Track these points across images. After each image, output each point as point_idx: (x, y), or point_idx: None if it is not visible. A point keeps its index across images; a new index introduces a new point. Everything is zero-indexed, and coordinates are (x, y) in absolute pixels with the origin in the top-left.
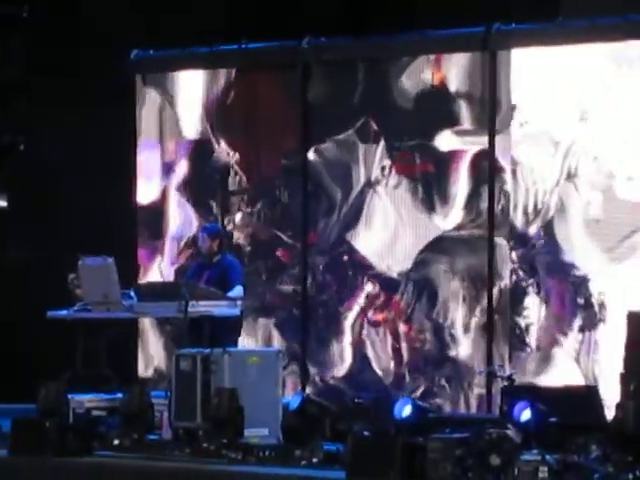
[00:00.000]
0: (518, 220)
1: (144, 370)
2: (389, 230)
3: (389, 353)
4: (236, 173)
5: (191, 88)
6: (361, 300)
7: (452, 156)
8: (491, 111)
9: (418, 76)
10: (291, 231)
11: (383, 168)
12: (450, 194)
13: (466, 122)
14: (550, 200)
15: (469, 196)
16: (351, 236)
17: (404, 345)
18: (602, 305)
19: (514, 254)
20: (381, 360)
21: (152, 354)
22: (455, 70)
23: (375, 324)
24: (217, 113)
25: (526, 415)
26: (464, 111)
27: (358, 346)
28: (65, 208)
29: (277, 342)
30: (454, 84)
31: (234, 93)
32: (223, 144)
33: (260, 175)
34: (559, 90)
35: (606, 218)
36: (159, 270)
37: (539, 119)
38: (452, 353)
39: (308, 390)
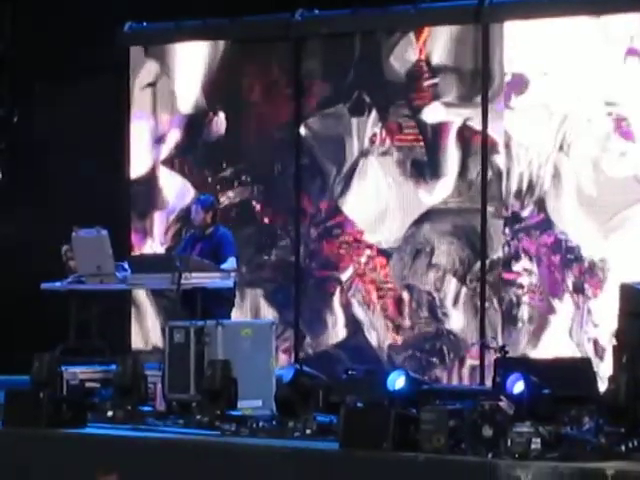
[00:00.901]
0: (511, 193)
1: (140, 343)
2: (381, 201)
3: (382, 324)
4: (229, 146)
5: (186, 61)
6: (352, 271)
7: (442, 128)
8: (484, 84)
9: (410, 49)
10: (284, 203)
11: (373, 139)
12: (441, 166)
13: (456, 94)
14: (544, 173)
15: (461, 168)
16: (343, 207)
17: (396, 316)
18: (595, 278)
19: (507, 228)
20: (373, 331)
21: (149, 327)
22: (446, 43)
23: (367, 294)
24: (211, 86)
25: (519, 387)
26: (455, 83)
27: (350, 316)
28: (59, 180)
29: (268, 313)
30: (445, 57)
31: (228, 66)
32: (217, 117)
33: (253, 148)
34: (552, 63)
35: (599, 192)
36: (151, 243)
37: (532, 92)
38: (445, 325)
39: (302, 360)
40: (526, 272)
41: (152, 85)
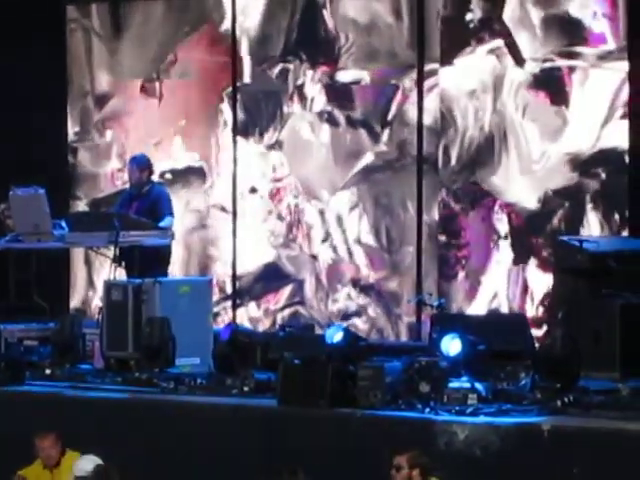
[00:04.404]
0: (448, 152)
1: (77, 301)
2: (319, 160)
3: (321, 281)
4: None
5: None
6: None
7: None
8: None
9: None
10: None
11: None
12: (377, 124)
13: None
14: (480, 134)
15: (397, 127)
16: (284, 165)
17: (335, 273)
18: (529, 234)
19: (444, 188)
20: (313, 288)
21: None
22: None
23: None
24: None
25: (455, 344)
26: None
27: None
28: None
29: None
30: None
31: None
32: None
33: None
34: None
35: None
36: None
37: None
38: (382, 281)
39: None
40: (463, 229)
41: (89, 45)
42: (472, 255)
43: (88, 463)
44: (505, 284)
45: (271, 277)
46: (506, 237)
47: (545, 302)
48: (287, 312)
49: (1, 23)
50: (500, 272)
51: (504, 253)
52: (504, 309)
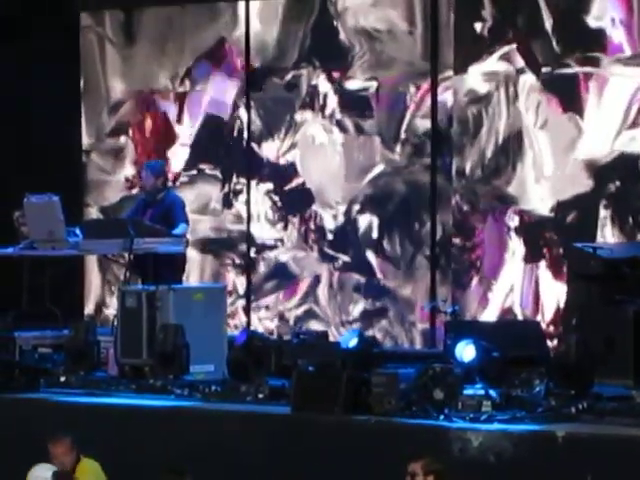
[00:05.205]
0: (462, 160)
1: (91, 308)
2: (332, 166)
3: (335, 288)
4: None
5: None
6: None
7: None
8: (432, 51)
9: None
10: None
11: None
12: (392, 132)
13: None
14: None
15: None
16: (297, 169)
17: (349, 281)
18: (544, 242)
19: (457, 194)
20: (327, 295)
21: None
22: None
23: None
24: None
25: (469, 350)
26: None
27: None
28: (11, 147)
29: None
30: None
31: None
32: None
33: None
34: None
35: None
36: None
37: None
38: (397, 289)
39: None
40: (478, 237)
41: (104, 51)
42: (486, 262)
43: (45, 471)
44: (519, 291)
45: (283, 280)
46: (520, 244)
47: (558, 309)
48: (301, 312)
49: (15, 29)
50: (514, 279)
51: (518, 260)
52: (517, 315)
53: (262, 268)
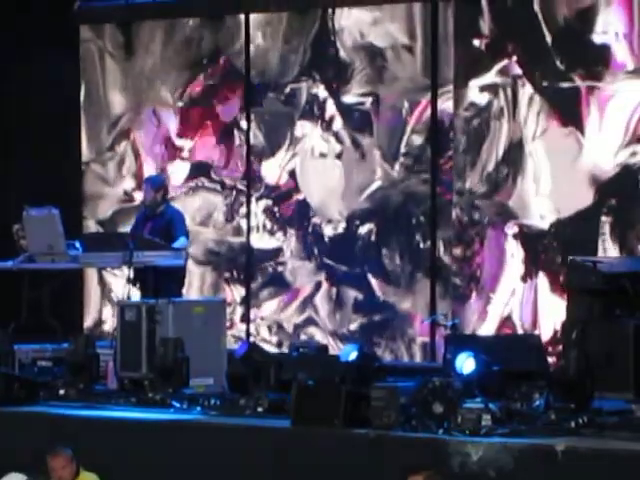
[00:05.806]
0: (462, 173)
1: (91, 321)
2: (331, 180)
3: (333, 302)
4: (183, 124)
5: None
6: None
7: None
8: (433, 65)
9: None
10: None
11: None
12: (394, 144)
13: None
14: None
15: (414, 147)
16: (297, 183)
17: (348, 295)
18: (544, 256)
19: (457, 207)
20: (326, 310)
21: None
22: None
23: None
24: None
25: (469, 363)
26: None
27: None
28: (11, 160)
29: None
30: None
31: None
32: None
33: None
34: None
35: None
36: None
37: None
38: (396, 302)
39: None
40: (477, 251)
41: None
42: (485, 275)
43: None
44: (518, 305)
45: (282, 290)
46: (520, 257)
47: (558, 323)
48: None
49: (16, 42)
50: (513, 293)
51: (517, 274)
52: (517, 329)
53: (260, 279)
